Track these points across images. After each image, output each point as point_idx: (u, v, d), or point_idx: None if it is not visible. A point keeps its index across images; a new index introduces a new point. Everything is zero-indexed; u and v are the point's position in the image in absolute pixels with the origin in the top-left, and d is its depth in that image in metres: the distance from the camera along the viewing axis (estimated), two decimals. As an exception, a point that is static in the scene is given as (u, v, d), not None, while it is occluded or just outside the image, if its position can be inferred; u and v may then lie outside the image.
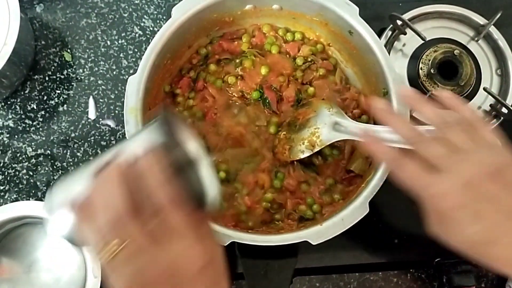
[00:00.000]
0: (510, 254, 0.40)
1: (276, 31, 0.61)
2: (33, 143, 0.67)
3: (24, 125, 0.67)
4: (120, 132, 0.67)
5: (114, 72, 0.69)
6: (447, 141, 0.42)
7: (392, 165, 0.45)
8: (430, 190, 0.42)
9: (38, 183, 0.66)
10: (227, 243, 0.49)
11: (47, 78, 0.69)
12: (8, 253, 0.62)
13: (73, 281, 0.60)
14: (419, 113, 0.48)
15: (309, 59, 0.60)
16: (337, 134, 0.55)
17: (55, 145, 0.67)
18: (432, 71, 0.63)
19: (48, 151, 0.67)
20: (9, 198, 0.65)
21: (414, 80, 0.65)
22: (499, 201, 0.40)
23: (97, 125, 0.68)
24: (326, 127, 0.55)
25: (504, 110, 0.63)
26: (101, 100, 0.68)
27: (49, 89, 0.69)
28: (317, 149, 0.55)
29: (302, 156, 0.56)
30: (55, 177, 0.66)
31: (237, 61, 0.60)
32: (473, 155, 0.42)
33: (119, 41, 0.70)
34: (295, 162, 0.57)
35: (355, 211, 0.51)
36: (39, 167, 0.66)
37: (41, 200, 0.65)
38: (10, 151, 0.66)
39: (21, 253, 0.63)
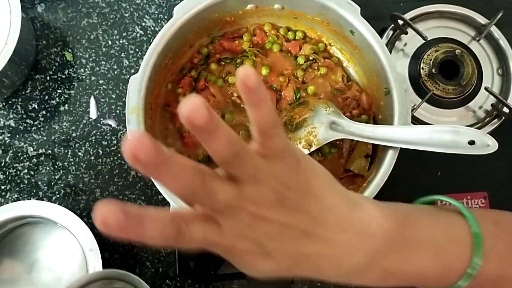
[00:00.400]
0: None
1: (277, 29, 0.61)
2: (34, 143, 0.67)
3: (25, 124, 0.67)
4: (121, 132, 0.68)
5: (115, 72, 0.69)
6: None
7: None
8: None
9: (39, 183, 0.66)
10: (229, 243, 0.49)
11: (48, 78, 0.69)
12: (9, 253, 0.62)
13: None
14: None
15: (310, 58, 0.60)
16: (334, 133, 0.55)
17: (56, 145, 0.67)
18: (433, 70, 0.63)
19: (49, 151, 0.67)
20: (10, 198, 0.65)
21: (415, 80, 0.65)
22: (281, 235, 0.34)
23: (98, 124, 0.68)
24: (323, 126, 0.55)
25: (506, 109, 0.63)
26: (102, 100, 0.69)
27: (50, 89, 0.69)
28: (314, 148, 0.55)
29: None
30: (56, 177, 0.66)
31: (238, 61, 0.60)
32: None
33: (120, 41, 0.70)
34: None
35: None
36: (40, 166, 0.66)
37: (42, 200, 0.65)
38: (11, 151, 0.67)
39: (22, 252, 0.63)
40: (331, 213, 0.34)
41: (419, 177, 0.63)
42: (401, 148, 0.52)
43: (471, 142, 0.50)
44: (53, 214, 0.58)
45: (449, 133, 0.50)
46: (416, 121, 0.63)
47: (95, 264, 0.58)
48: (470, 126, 0.64)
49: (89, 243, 0.58)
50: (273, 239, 0.33)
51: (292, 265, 0.35)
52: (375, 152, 0.57)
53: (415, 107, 0.63)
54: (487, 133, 0.62)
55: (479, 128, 0.63)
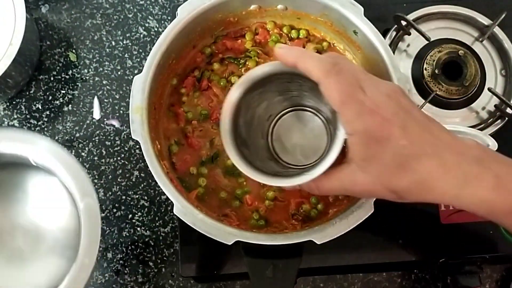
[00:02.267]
0: (434, 165, 0.39)
1: (280, 28, 0.61)
2: (38, 143, 0.67)
3: (29, 125, 0.68)
4: (124, 132, 0.68)
5: (119, 73, 0.70)
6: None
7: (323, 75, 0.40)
8: (362, 107, 0.39)
9: (42, 183, 0.66)
10: (232, 242, 0.49)
11: (52, 78, 0.69)
12: None
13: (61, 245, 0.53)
14: (304, 70, 0.42)
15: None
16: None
17: (60, 145, 0.67)
18: (436, 71, 0.63)
19: (53, 151, 0.67)
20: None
21: (418, 81, 0.65)
22: (413, 113, 0.40)
23: (101, 125, 0.68)
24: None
25: (509, 110, 0.63)
26: (105, 100, 0.69)
27: (54, 89, 0.69)
28: None
29: None
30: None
31: (241, 61, 0.60)
32: (379, 80, 0.42)
33: (124, 42, 0.71)
34: None
35: (359, 210, 0.51)
36: (44, 166, 0.66)
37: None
38: (15, 151, 0.67)
39: None
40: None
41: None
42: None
43: None
44: (36, 153, 0.50)
45: None
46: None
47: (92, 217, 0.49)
48: (473, 127, 0.63)
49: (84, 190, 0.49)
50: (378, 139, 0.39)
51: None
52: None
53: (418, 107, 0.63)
54: (490, 134, 0.62)
55: (482, 129, 0.63)
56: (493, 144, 0.50)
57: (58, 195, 0.54)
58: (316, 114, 0.55)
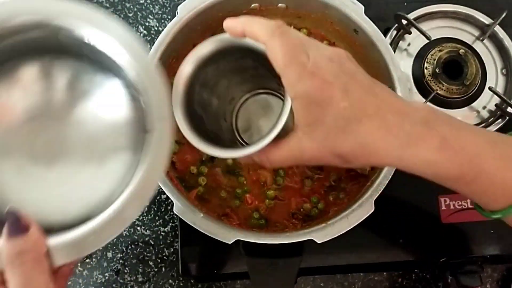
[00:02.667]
0: (375, 127, 0.38)
1: None
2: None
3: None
4: (124, 131, 0.67)
5: (119, 72, 0.70)
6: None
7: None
8: (303, 69, 0.38)
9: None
10: (232, 241, 0.49)
11: (52, 78, 0.69)
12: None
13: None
14: (251, 35, 0.41)
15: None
16: None
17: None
18: (437, 70, 0.63)
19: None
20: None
21: (419, 80, 0.65)
22: (356, 77, 0.40)
23: (101, 124, 0.68)
24: None
25: (510, 109, 0.63)
26: (105, 99, 0.69)
27: (54, 88, 0.69)
28: None
29: None
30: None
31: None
32: (323, 45, 0.41)
33: (124, 41, 0.70)
34: None
35: (360, 210, 0.51)
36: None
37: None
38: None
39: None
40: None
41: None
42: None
43: None
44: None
45: None
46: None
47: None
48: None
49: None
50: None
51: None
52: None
53: (418, 107, 0.62)
54: (491, 133, 0.62)
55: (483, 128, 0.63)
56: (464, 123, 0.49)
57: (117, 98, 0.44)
58: (277, 95, 0.55)
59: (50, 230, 0.37)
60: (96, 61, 0.43)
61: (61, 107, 0.42)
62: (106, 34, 0.40)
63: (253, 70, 0.51)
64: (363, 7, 0.55)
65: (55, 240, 0.37)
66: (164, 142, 0.40)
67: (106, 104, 0.43)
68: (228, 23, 0.43)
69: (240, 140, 0.56)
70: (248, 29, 0.41)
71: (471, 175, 0.39)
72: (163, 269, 0.64)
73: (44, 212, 0.40)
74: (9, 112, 0.42)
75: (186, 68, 0.46)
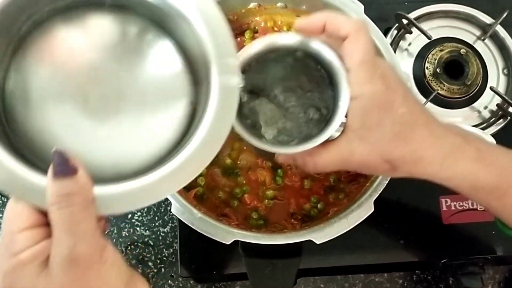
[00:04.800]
0: (426, 135, 0.40)
1: (280, 27, 0.60)
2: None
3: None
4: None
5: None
6: None
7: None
8: (376, 70, 0.40)
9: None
10: (230, 242, 0.49)
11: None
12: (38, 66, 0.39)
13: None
14: (332, 28, 0.40)
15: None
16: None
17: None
18: (438, 70, 0.63)
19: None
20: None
21: (420, 80, 0.64)
22: (408, 87, 0.42)
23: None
24: None
25: (511, 109, 0.62)
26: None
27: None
28: None
29: None
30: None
31: None
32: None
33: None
34: None
35: (359, 210, 0.51)
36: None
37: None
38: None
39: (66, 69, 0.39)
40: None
41: (424, 177, 0.63)
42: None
43: None
44: None
45: None
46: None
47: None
48: (475, 126, 0.63)
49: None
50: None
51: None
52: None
53: (419, 107, 0.62)
54: (492, 133, 0.62)
55: (484, 128, 0.63)
56: (491, 142, 0.49)
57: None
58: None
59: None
60: (149, 14, 0.42)
61: (117, 61, 0.41)
62: None
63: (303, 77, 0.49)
64: (363, 7, 0.55)
65: (102, 189, 0.35)
66: (233, 87, 0.38)
67: (159, 59, 0.42)
68: (303, 21, 0.42)
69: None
70: (331, 22, 0.41)
71: (504, 187, 0.41)
72: (163, 270, 0.64)
73: (94, 167, 0.36)
74: (72, 58, 0.40)
75: (251, 49, 0.44)
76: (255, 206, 0.56)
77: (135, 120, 0.40)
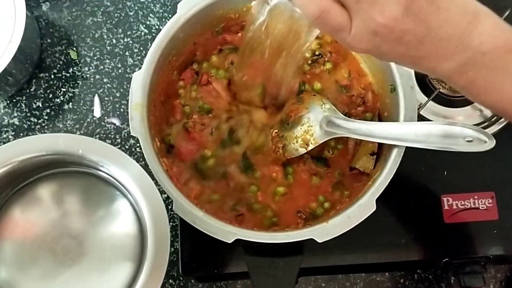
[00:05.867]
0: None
1: None
2: (38, 141, 0.67)
3: (29, 123, 0.67)
4: (125, 131, 0.67)
5: (120, 71, 0.69)
6: None
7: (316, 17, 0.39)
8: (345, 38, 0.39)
9: (43, 181, 0.66)
10: (232, 240, 0.49)
11: (52, 76, 0.69)
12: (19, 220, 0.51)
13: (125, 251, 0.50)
14: None
15: (316, 53, 0.60)
16: (331, 131, 0.54)
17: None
18: (439, 69, 0.63)
19: (53, 149, 0.66)
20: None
21: (421, 78, 0.64)
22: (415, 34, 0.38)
23: (102, 123, 0.68)
24: (319, 124, 0.55)
25: (513, 108, 0.62)
26: (106, 98, 0.68)
27: (55, 87, 0.69)
28: (311, 147, 0.55)
29: (296, 154, 0.56)
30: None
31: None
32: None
33: (125, 40, 0.70)
34: (304, 155, 0.56)
35: (361, 209, 0.50)
36: (44, 165, 0.66)
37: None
38: (15, 149, 0.66)
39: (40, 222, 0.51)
40: (449, 26, 0.38)
41: (425, 176, 0.63)
42: (407, 147, 0.51)
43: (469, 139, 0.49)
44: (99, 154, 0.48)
45: (446, 130, 0.49)
46: (422, 119, 0.62)
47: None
48: (477, 125, 0.63)
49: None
50: (390, 42, 0.38)
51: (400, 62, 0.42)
52: (381, 150, 0.56)
53: (421, 105, 0.62)
54: (494, 132, 0.62)
55: (486, 127, 0.63)
56: (490, 141, 0.48)
57: (120, 204, 0.52)
58: None
59: None
60: (109, 181, 0.51)
61: (77, 217, 0.50)
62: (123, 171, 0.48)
63: None
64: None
65: None
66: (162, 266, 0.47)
67: (116, 218, 0.51)
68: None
69: None
70: None
71: None
72: (164, 269, 0.64)
73: None
74: (34, 227, 0.49)
75: None
76: (267, 203, 0.56)
77: (91, 268, 0.49)
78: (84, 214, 0.50)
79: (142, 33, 0.71)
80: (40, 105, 0.68)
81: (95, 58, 0.70)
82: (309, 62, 0.60)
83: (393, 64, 0.53)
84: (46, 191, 0.51)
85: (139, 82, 0.53)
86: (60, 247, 0.49)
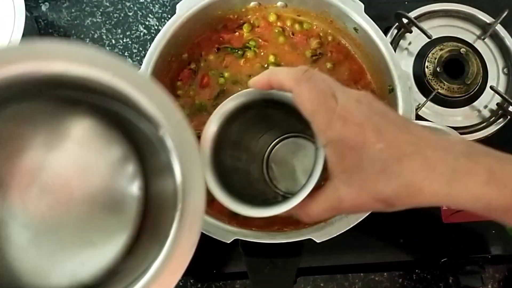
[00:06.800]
0: (417, 165, 0.36)
1: (284, 21, 0.60)
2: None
3: (28, 123, 0.67)
4: (124, 131, 0.67)
5: (119, 71, 0.69)
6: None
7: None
8: (332, 114, 0.37)
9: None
10: (230, 241, 0.49)
11: (51, 77, 0.69)
12: None
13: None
14: (277, 85, 0.40)
15: (318, 52, 0.60)
16: None
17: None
18: (438, 69, 0.63)
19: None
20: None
21: (420, 79, 0.64)
22: (387, 115, 0.38)
23: (101, 123, 0.68)
24: None
25: (511, 108, 0.62)
26: (105, 98, 0.68)
27: (54, 88, 0.69)
28: None
29: None
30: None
31: (239, 52, 0.59)
32: (348, 89, 0.39)
33: (124, 40, 0.70)
34: None
35: (360, 209, 0.51)
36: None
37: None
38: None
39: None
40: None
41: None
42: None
43: None
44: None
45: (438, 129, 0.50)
46: (420, 120, 0.62)
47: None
48: (475, 125, 0.63)
49: None
50: None
51: None
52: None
53: (419, 106, 0.62)
54: (492, 132, 0.62)
55: (484, 127, 0.63)
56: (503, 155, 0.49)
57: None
58: (306, 137, 0.52)
59: None
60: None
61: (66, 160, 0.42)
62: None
63: (278, 117, 0.49)
64: (362, 5, 0.55)
65: None
66: (197, 215, 0.37)
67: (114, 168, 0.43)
68: (252, 80, 0.42)
69: (275, 188, 0.52)
70: (273, 79, 0.40)
71: None
72: (163, 269, 0.64)
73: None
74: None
75: (211, 128, 0.44)
76: None
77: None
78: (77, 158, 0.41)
79: (141, 34, 0.71)
80: (39, 105, 0.68)
81: (94, 58, 0.70)
82: (310, 61, 0.60)
83: (391, 65, 0.53)
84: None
85: (138, 82, 0.52)
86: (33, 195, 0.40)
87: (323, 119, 0.37)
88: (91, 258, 0.42)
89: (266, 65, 0.59)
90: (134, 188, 0.43)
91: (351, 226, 0.50)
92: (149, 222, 0.43)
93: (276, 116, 0.48)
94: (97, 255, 0.42)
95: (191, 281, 0.64)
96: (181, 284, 0.64)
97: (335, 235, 0.50)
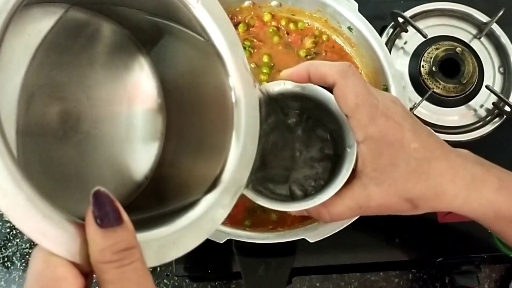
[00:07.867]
0: (444, 168, 0.39)
1: (278, 20, 0.60)
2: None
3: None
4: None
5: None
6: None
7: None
8: (375, 110, 0.38)
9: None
10: (224, 241, 0.49)
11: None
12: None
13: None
14: (318, 78, 0.40)
15: (312, 52, 0.60)
16: None
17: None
18: (433, 69, 0.63)
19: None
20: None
21: (415, 78, 0.64)
22: (417, 119, 0.41)
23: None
24: None
25: (507, 108, 0.62)
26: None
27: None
28: None
29: None
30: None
31: None
32: (377, 89, 0.41)
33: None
34: None
35: (353, 209, 0.50)
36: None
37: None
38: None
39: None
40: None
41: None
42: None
43: None
44: None
45: None
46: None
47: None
48: (471, 125, 0.63)
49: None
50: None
51: None
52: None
53: (415, 105, 0.62)
54: (488, 132, 0.62)
55: (480, 126, 0.63)
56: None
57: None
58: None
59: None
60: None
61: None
62: None
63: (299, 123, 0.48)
64: (357, 5, 0.55)
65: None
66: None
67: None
68: (287, 71, 0.42)
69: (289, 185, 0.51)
70: (315, 71, 0.40)
71: None
72: (158, 269, 0.64)
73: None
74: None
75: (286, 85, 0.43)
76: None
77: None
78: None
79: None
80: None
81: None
82: (305, 61, 0.60)
83: (385, 64, 0.53)
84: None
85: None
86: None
87: (367, 114, 0.38)
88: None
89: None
90: None
91: (345, 226, 0.50)
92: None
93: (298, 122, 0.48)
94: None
95: (187, 281, 0.64)
96: (176, 284, 0.64)
97: (329, 235, 0.49)
